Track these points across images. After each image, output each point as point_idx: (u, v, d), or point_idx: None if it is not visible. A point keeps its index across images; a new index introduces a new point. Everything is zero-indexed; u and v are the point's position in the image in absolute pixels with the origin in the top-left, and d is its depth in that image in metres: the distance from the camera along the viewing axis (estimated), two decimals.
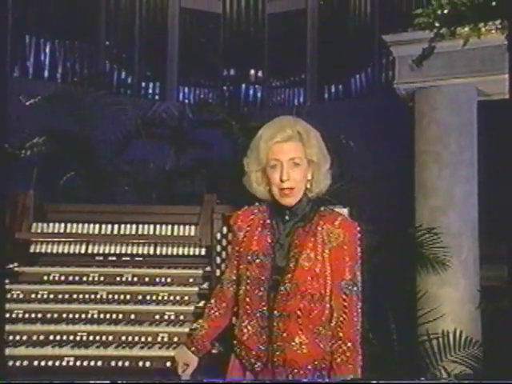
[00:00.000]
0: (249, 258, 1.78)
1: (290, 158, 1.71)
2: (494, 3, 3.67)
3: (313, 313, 1.69)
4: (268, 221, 1.80)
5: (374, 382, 1.97)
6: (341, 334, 1.68)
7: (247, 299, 1.77)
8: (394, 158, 5.28)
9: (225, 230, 2.55)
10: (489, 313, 3.97)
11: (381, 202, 4.78)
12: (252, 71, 9.30)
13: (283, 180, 1.70)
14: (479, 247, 4.13)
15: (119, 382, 1.96)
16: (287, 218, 1.77)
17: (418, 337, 3.76)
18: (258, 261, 1.76)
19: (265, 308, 1.73)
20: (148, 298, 2.40)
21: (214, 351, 2.03)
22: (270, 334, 1.71)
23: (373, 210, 3.71)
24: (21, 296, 2.41)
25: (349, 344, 1.67)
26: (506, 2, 3.58)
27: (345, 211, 2.21)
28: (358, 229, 1.77)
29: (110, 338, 2.20)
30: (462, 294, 4.00)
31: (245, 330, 1.76)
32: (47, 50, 7.68)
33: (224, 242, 2.56)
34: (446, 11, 3.87)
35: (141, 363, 2.08)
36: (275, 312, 1.71)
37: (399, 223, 4.32)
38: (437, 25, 3.91)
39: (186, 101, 8.84)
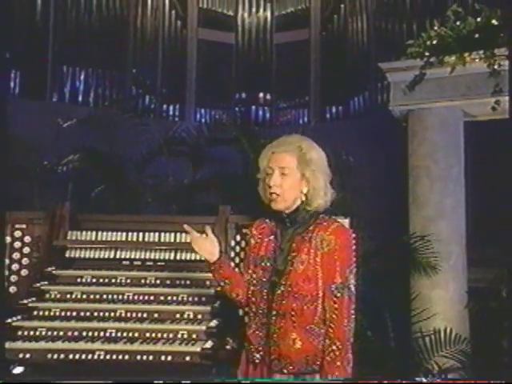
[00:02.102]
0: (256, 261, 1.81)
1: (280, 167, 1.73)
2: (476, 35, 3.69)
3: (305, 313, 1.68)
4: (275, 229, 1.83)
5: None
6: (331, 334, 1.66)
7: (253, 299, 1.80)
8: (389, 172, 5.26)
9: (238, 237, 2.56)
10: (476, 312, 3.92)
11: (378, 211, 4.76)
12: (261, 94, 9.33)
13: (270, 185, 1.73)
14: (466, 253, 4.09)
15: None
16: (288, 224, 1.78)
17: (412, 334, 3.73)
18: (262, 264, 1.79)
19: (265, 307, 1.75)
20: (169, 298, 2.41)
21: (227, 347, 2.04)
22: (268, 330, 1.73)
23: (371, 219, 3.70)
24: (58, 296, 2.43)
25: (338, 343, 1.65)
26: (491, 34, 3.61)
27: (346, 221, 2.22)
28: (353, 235, 1.77)
29: (136, 334, 2.21)
30: (451, 295, 3.96)
31: (250, 326, 1.79)
32: (82, 77, 7.77)
33: (237, 249, 2.57)
34: (434, 42, 3.89)
35: (163, 357, 2.08)
36: (273, 311, 1.72)
37: (395, 231, 4.29)
38: (426, 54, 3.93)
39: (203, 120, 8.87)
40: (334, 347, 1.65)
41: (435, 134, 4.10)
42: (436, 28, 4.00)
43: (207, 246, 1.87)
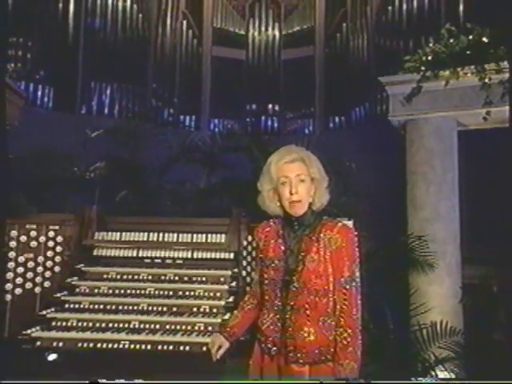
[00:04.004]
0: (266, 262, 1.80)
1: (296, 175, 1.73)
2: (468, 52, 3.68)
3: (318, 306, 1.69)
4: (281, 231, 1.81)
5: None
6: (342, 323, 1.68)
7: (266, 296, 1.79)
8: (389, 177, 5.23)
9: (249, 238, 2.58)
10: (469, 306, 3.89)
11: (379, 214, 4.73)
12: (270, 106, 9.36)
13: (292, 193, 1.72)
14: (460, 252, 4.05)
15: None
16: (296, 227, 1.77)
17: (411, 327, 3.70)
18: (273, 265, 1.77)
19: (279, 303, 1.74)
20: (187, 293, 2.44)
21: (241, 338, 2.04)
22: (283, 324, 1.72)
23: (372, 220, 3.68)
24: (87, 290, 2.47)
25: (349, 331, 1.66)
26: (482, 50, 3.60)
27: (350, 223, 2.21)
28: (355, 233, 1.77)
29: (157, 326, 2.24)
30: (446, 290, 3.92)
31: (264, 321, 1.77)
32: (107, 92, 7.86)
33: (249, 248, 2.58)
34: (429, 58, 3.87)
35: (182, 347, 2.10)
36: (287, 306, 1.72)
37: (394, 232, 4.25)
38: (423, 69, 3.91)
39: (217, 130, 8.89)
40: (345, 334, 1.66)
41: (431, 142, 4.07)
42: (431, 45, 3.98)
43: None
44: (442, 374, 3.44)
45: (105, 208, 2.92)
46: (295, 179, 1.73)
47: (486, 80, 3.64)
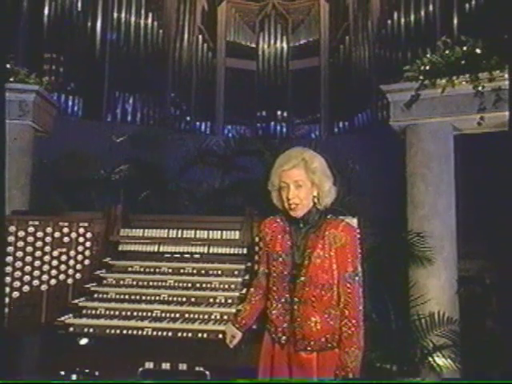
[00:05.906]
0: (274, 256, 1.79)
1: (294, 181, 1.72)
2: (463, 62, 3.66)
3: (324, 299, 1.69)
4: (288, 228, 1.80)
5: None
6: (347, 314, 1.68)
7: (274, 288, 1.78)
8: (390, 178, 5.20)
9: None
10: (464, 297, 3.86)
11: (381, 212, 4.71)
12: (279, 112, 9.37)
13: (289, 198, 1.72)
14: (457, 247, 4.02)
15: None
16: (301, 225, 1.77)
17: (410, 317, 3.69)
18: (280, 259, 1.77)
19: (287, 295, 1.74)
20: (204, 285, 2.44)
21: (254, 327, 2.04)
22: (291, 315, 1.72)
23: (375, 218, 3.66)
24: (113, 282, 2.49)
25: (353, 321, 1.67)
26: (475, 60, 3.57)
27: (354, 220, 2.19)
28: (358, 231, 1.77)
29: (177, 315, 2.24)
30: (443, 282, 3.89)
31: (273, 312, 1.77)
32: (130, 101, 7.95)
33: (261, 244, 2.56)
34: (427, 67, 3.86)
35: (200, 335, 2.11)
36: (295, 299, 1.71)
37: (395, 229, 4.23)
38: (421, 78, 3.89)
39: (230, 135, 8.93)
40: (350, 324, 1.67)
41: (429, 145, 4.04)
42: (428, 55, 3.96)
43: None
44: (439, 360, 3.42)
45: (129, 207, 2.95)
46: (293, 185, 1.72)
47: (480, 88, 3.62)
